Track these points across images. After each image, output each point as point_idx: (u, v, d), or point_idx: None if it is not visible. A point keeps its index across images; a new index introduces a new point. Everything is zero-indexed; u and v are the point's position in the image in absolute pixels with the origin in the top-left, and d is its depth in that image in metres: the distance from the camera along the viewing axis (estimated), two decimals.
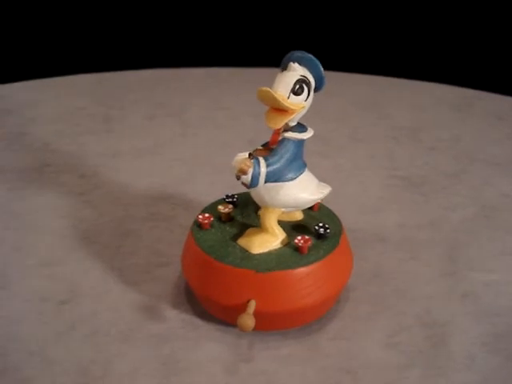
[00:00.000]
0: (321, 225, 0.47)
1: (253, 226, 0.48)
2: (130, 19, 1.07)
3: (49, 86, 0.81)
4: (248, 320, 0.42)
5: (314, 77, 0.44)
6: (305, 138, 0.45)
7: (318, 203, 0.49)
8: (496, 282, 0.52)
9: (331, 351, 0.46)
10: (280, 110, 0.43)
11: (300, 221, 0.49)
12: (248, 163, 0.43)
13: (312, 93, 0.44)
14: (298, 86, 0.43)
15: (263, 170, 0.44)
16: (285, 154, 0.45)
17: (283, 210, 0.47)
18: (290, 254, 0.46)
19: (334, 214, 0.50)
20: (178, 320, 0.48)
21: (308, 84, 0.44)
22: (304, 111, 0.44)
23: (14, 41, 1.05)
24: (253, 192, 0.46)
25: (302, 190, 0.46)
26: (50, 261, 0.53)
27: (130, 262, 0.53)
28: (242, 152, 0.46)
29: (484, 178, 0.65)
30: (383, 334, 0.47)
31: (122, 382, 0.43)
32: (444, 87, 0.81)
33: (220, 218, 0.49)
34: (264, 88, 0.43)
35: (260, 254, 0.46)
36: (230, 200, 0.50)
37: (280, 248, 0.46)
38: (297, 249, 0.46)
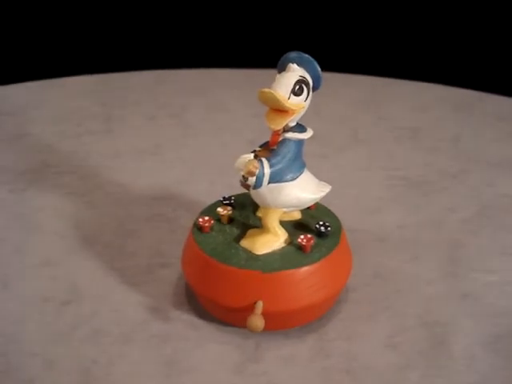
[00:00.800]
0: (321, 223, 0.48)
1: (253, 227, 0.48)
2: (132, 20, 1.07)
3: (50, 87, 0.81)
4: (258, 321, 0.43)
5: (311, 77, 0.45)
6: (305, 137, 0.46)
7: (316, 202, 0.50)
8: (497, 282, 0.52)
9: (331, 352, 0.46)
10: (280, 110, 0.44)
11: (299, 220, 0.49)
12: (256, 165, 0.44)
13: (311, 93, 0.45)
14: (297, 87, 0.44)
15: (267, 170, 0.44)
16: (287, 154, 0.45)
17: (285, 210, 0.47)
18: (294, 253, 0.46)
19: (331, 212, 0.50)
20: (179, 321, 0.48)
21: (307, 84, 0.44)
22: (303, 111, 0.45)
23: (15, 42, 1.05)
24: (254, 193, 0.46)
25: (304, 190, 0.46)
26: (51, 261, 0.54)
27: (131, 262, 0.53)
28: (242, 153, 0.46)
29: (484, 178, 0.65)
30: (384, 335, 0.47)
31: (124, 382, 0.43)
32: (444, 88, 0.81)
33: (219, 220, 0.49)
34: (266, 89, 0.43)
35: (264, 255, 0.46)
36: (228, 202, 0.50)
37: (283, 248, 0.47)
38: (300, 248, 0.46)
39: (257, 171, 0.44)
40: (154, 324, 0.48)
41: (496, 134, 0.73)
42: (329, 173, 0.62)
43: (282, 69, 0.44)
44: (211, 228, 0.48)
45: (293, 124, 0.45)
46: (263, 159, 0.45)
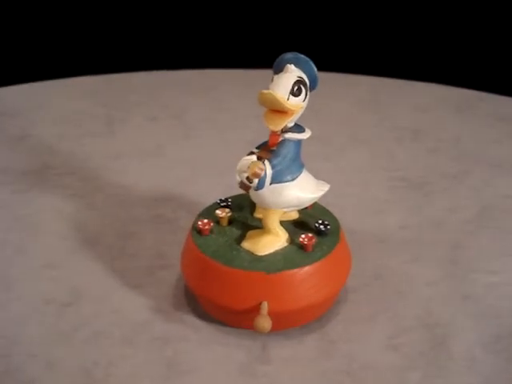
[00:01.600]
0: (320, 222, 0.48)
1: (252, 228, 0.48)
2: (133, 21, 1.07)
3: (51, 88, 0.81)
4: (265, 322, 0.43)
5: (308, 77, 0.45)
6: (304, 137, 0.46)
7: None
8: (497, 283, 0.52)
9: (332, 353, 0.46)
10: (279, 111, 0.44)
11: (297, 219, 0.49)
12: (261, 166, 0.44)
13: (308, 93, 0.45)
14: (296, 87, 0.44)
15: (269, 172, 0.45)
16: (287, 155, 0.45)
17: (285, 210, 0.47)
18: (296, 253, 0.46)
19: (328, 211, 0.51)
20: (180, 322, 0.48)
21: (305, 84, 0.44)
22: (302, 111, 0.45)
23: (16, 43, 1.05)
24: (254, 194, 0.46)
25: (303, 189, 0.46)
26: (52, 263, 0.54)
27: (132, 264, 0.53)
28: (243, 154, 0.46)
29: (485, 179, 0.65)
30: (384, 336, 0.47)
31: None
32: (445, 88, 0.81)
33: (218, 222, 0.49)
34: (266, 91, 0.43)
35: (266, 256, 0.46)
36: (225, 204, 0.50)
37: (284, 248, 0.47)
38: (301, 247, 0.47)
39: (262, 173, 0.44)
40: (154, 325, 0.48)
41: (497, 134, 0.73)
42: (329, 173, 0.62)
43: (279, 70, 0.45)
44: (211, 230, 0.48)
45: (291, 124, 0.45)
46: (265, 160, 0.45)
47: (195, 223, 0.49)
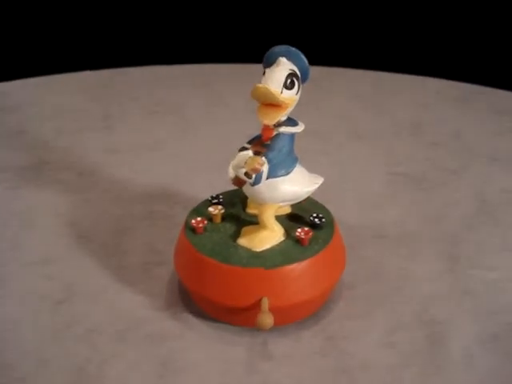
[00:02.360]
0: (315, 215, 0.48)
1: (245, 225, 0.48)
2: (130, 16, 1.07)
3: (48, 83, 0.81)
4: (267, 318, 0.43)
5: (299, 69, 0.44)
6: (299, 130, 0.45)
7: None
8: (496, 279, 0.51)
9: (328, 351, 0.45)
10: (273, 105, 0.43)
11: (290, 213, 0.49)
12: (261, 161, 0.44)
13: (301, 86, 0.44)
14: (289, 80, 0.44)
15: (266, 166, 0.44)
16: (282, 149, 0.45)
17: (281, 204, 0.47)
18: (293, 247, 0.46)
19: (320, 204, 0.50)
20: (174, 319, 0.48)
21: (298, 77, 0.44)
22: (294, 104, 0.45)
23: (13, 38, 1.05)
24: (250, 190, 0.46)
25: (298, 183, 0.46)
26: (46, 259, 0.53)
27: (127, 260, 0.53)
28: (237, 149, 0.46)
29: (485, 173, 0.64)
30: (381, 333, 0.47)
31: (118, 382, 0.43)
32: (444, 82, 0.81)
33: (211, 219, 0.48)
34: (261, 85, 0.43)
35: (264, 251, 0.46)
36: (216, 201, 0.50)
37: (280, 242, 0.47)
38: (298, 241, 0.46)
39: (262, 168, 0.43)
40: (148, 323, 0.47)
41: (496, 128, 0.72)
42: (329, 169, 0.62)
43: (270, 63, 0.44)
44: (204, 228, 0.48)
45: (284, 118, 0.45)
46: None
47: (188, 222, 0.48)
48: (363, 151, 0.68)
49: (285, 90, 0.43)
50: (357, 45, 1.03)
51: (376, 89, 0.80)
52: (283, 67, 0.44)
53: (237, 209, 0.49)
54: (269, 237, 0.46)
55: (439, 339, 0.46)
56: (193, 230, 0.47)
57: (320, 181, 0.47)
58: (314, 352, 0.45)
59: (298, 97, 0.44)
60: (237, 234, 0.47)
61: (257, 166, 0.43)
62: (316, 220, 0.48)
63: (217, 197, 0.50)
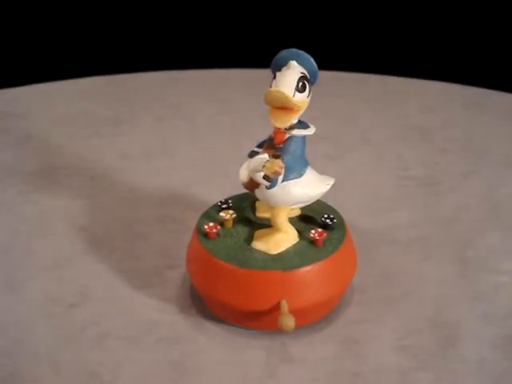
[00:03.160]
0: (326, 216, 0.48)
1: (257, 228, 0.48)
2: (141, 22, 1.07)
3: (59, 88, 0.81)
4: (289, 320, 0.43)
5: (308, 72, 0.44)
6: (311, 133, 0.46)
7: None
8: (508, 283, 0.51)
9: (341, 354, 0.45)
10: (285, 108, 0.44)
11: (300, 215, 0.49)
12: (281, 164, 0.44)
13: (311, 88, 0.44)
14: (301, 84, 0.44)
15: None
16: (296, 151, 0.45)
17: (293, 207, 0.47)
18: (308, 249, 0.47)
19: (328, 205, 0.50)
20: (187, 323, 0.48)
21: (308, 80, 0.44)
22: (305, 107, 0.45)
23: (23, 44, 1.06)
24: (263, 194, 0.46)
25: (311, 185, 0.46)
26: (59, 264, 0.53)
27: (139, 264, 0.53)
28: (246, 154, 0.46)
29: (496, 177, 0.64)
30: (393, 337, 0.47)
31: None
32: (454, 86, 0.81)
33: (222, 224, 0.48)
34: (275, 89, 0.43)
35: (279, 254, 0.46)
36: (226, 206, 0.50)
37: (295, 244, 0.47)
38: (311, 242, 0.47)
39: (282, 171, 0.44)
40: (161, 326, 0.47)
41: (506, 132, 0.72)
42: (338, 173, 0.62)
43: (280, 66, 0.44)
44: (217, 234, 0.48)
45: (295, 121, 0.45)
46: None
47: (200, 227, 0.48)
48: (373, 155, 0.68)
49: (297, 93, 0.44)
50: (366, 49, 1.03)
51: (385, 93, 0.80)
52: (294, 70, 0.44)
53: (247, 213, 0.49)
54: (284, 239, 0.47)
55: (451, 343, 0.46)
56: (205, 235, 0.48)
57: (331, 181, 0.47)
58: (326, 356, 0.45)
59: (309, 99, 0.45)
60: (250, 238, 0.47)
61: (278, 170, 0.44)
62: (328, 221, 0.48)
63: (226, 201, 0.50)
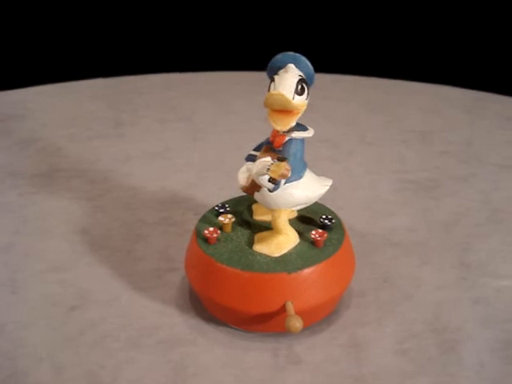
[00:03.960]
0: (324, 216, 0.49)
1: (257, 231, 0.48)
2: (142, 24, 1.07)
3: (60, 90, 0.81)
4: (296, 321, 0.43)
5: (305, 74, 0.45)
6: (310, 135, 0.46)
7: None
8: (508, 287, 0.51)
9: (340, 358, 0.45)
10: (285, 111, 0.44)
11: (299, 216, 0.49)
12: (288, 167, 0.44)
13: (309, 91, 0.45)
14: (300, 86, 0.44)
15: None
16: (297, 154, 0.45)
17: (293, 208, 0.47)
18: (309, 250, 0.47)
19: (323, 206, 0.51)
20: (186, 326, 0.48)
21: (306, 83, 0.45)
22: (304, 110, 0.45)
23: (26, 46, 1.06)
24: (263, 197, 0.46)
25: (310, 186, 0.47)
26: (59, 266, 0.54)
27: (139, 267, 0.53)
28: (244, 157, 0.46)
29: (496, 181, 0.64)
30: (393, 341, 0.47)
31: None
32: (454, 89, 0.81)
33: (221, 228, 0.48)
34: (275, 92, 0.43)
35: (282, 256, 0.46)
36: (223, 210, 0.50)
37: (295, 246, 0.47)
38: (312, 243, 0.47)
39: (289, 173, 0.44)
40: (161, 329, 0.48)
41: (506, 135, 0.72)
42: (338, 176, 0.62)
43: (277, 70, 0.44)
44: (217, 238, 0.48)
45: (294, 124, 0.45)
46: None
47: (200, 232, 0.48)
48: (373, 158, 0.68)
49: (296, 96, 0.44)
50: (366, 52, 1.03)
51: (385, 96, 0.80)
52: (293, 73, 0.44)
53: (244, 216, 0.50)
54: (285, 241, 0.47)
55: (451, 347, 0.46)
56: (206, 240, 0.47)
57: (329, 183, 0.47)
58: (325, 359, 0.45)
59: (307, 102, 0.45)
60: (250, 241, 0.47)
61: (285, 172, 0.44)
62: (326, 221, 0.48)
63: (223, 205, 0.50)
